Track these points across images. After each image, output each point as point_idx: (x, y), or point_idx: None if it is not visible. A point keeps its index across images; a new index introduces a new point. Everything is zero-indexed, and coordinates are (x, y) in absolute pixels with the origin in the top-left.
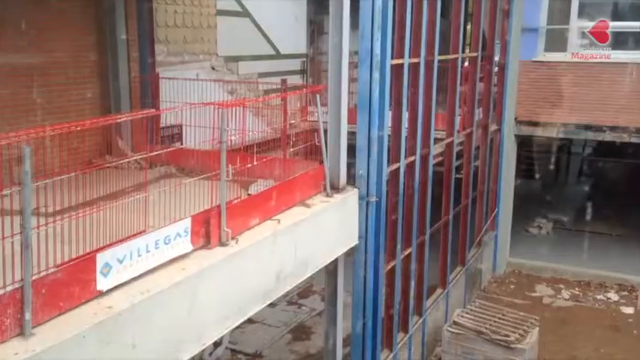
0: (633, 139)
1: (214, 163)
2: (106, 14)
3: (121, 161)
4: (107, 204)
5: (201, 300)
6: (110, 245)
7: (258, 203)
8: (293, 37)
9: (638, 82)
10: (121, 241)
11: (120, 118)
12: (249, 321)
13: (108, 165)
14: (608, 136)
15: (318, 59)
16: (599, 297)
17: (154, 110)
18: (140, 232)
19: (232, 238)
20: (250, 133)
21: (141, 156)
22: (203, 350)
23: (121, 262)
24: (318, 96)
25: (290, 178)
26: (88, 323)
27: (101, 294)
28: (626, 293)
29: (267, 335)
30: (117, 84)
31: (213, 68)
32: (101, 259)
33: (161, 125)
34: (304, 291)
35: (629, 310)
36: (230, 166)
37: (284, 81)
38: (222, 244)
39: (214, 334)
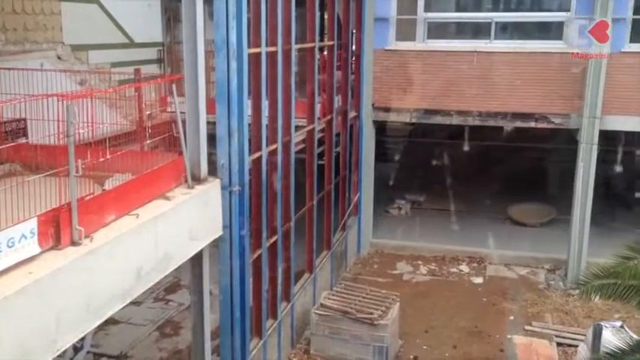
0: (476, 122)
1: (63, 158)
2: None
3: None
4: None
5: (53, 304)
6: None
7: (114, 198)
8: (147, 25)
9: (480, 68)
10: None
11: None
12: (113, 321)
13: None
14: (455, 120)
15: (175, 48)
16: (452, 270)
17: None
18: None
19: (86, 237)
20: (102, 126)
21: None
22: (62, 356)
23: None
24: (174, 86)
25: (148, 171)
26: None
27: None
28: (475, 265)
29: (133, 335)
30: None
31: (59, 58)
32: None
33: (2, 120)
34: (171, 286)
35: (479, 280)
36: (79, 160)
37: (137, 71)
38: (74, 243)
39: (70, 338)
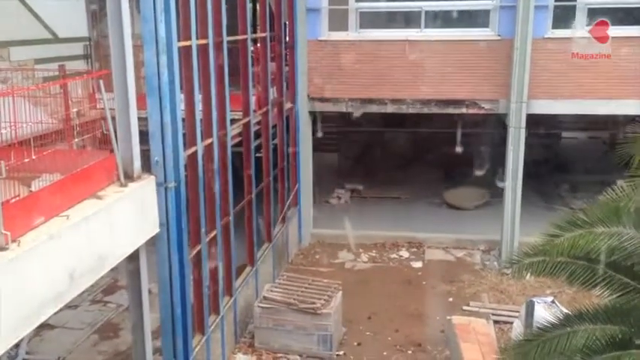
0: (411, 110)
1: None
2: None
3: None
4: None
5: None
6: None
7: (42, 200)
8: (72, 20)
9: (412, 57)
10: None
11: None
12: (48, 326)
13: None
14: (390, 108)
15: (103, 43)
16: (392, 256)
17: None
18: None
19: (13, 241)
20: (27, 125)
21: None
22: None
23: None
24: (101, 82)
25: (77, 171)
26: None
27: None
28: (415, 249)
29: (70, 339)
30: None
31: None
32: None
33: None
34: (109, 287)
35: (418, 265)
36: (2, 162)
37: (62, 67)
38: (0, 248)
39: (1, 346)
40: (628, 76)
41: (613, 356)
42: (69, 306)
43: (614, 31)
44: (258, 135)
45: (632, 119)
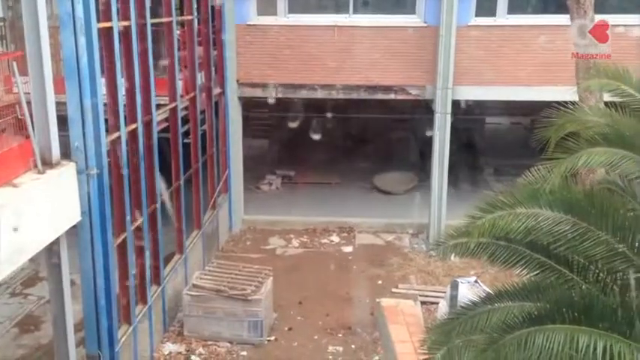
0: (341, 96)
1: None
2: None
3: None
4: None
5: None
6: None
7: None
8: None
9: (341, 43)
10: None
11: None
12: None
13: None
14: (320, 94)
15: (19, 24)
16: (324, 241)
17: None
18: None
19: None
20: None
21: None
22: None
23: None
24: (14, 64)
25: None
26: None
27: None
28: (345, 234)
29: None
30: None
31: None
32: None
33: None
34: (30, 279)
35: (349, 249)
36: None
37: None
38: None
39: None
40: (546, 64)
41: (529, 332)
42: None
43: (533, 19)
44: (186, 121)
45: (548, 105)
